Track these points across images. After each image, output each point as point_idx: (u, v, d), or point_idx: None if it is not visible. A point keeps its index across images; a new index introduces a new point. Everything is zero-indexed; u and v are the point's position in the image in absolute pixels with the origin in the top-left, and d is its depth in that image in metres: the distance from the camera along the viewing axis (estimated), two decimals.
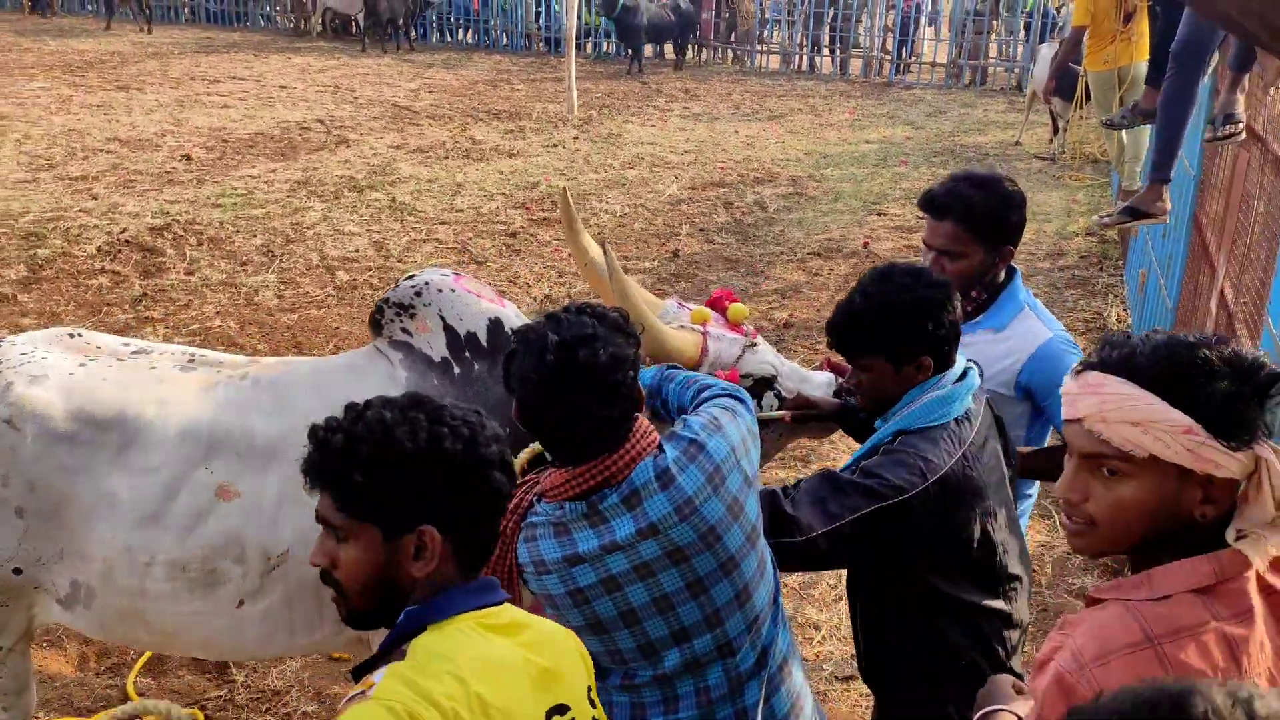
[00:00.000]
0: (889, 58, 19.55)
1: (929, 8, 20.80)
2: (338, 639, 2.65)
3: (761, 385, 2.69)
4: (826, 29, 20.16)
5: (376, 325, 2.73)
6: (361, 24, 21.26)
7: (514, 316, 2.76)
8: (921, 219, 2.80)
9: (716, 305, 2.77)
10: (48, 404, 2.42)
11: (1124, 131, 7.97)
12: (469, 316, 2.67)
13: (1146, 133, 8.09)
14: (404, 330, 2.67)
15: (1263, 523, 1.46)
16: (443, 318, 2.65)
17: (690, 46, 21.38)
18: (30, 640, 2.68)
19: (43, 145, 11.53)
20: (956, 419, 2.28)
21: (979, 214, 2.62)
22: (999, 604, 2.36)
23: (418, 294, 2.68)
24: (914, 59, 19.77)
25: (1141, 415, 1.46)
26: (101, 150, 11.44)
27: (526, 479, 2.11)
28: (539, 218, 9.49)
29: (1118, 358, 1.51)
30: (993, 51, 19.57)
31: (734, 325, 2.73)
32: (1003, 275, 2.77)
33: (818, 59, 20.21)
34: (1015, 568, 2.38)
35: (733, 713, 2.06)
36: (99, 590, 2.46)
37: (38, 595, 2.51)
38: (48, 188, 9.85)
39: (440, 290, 2.68)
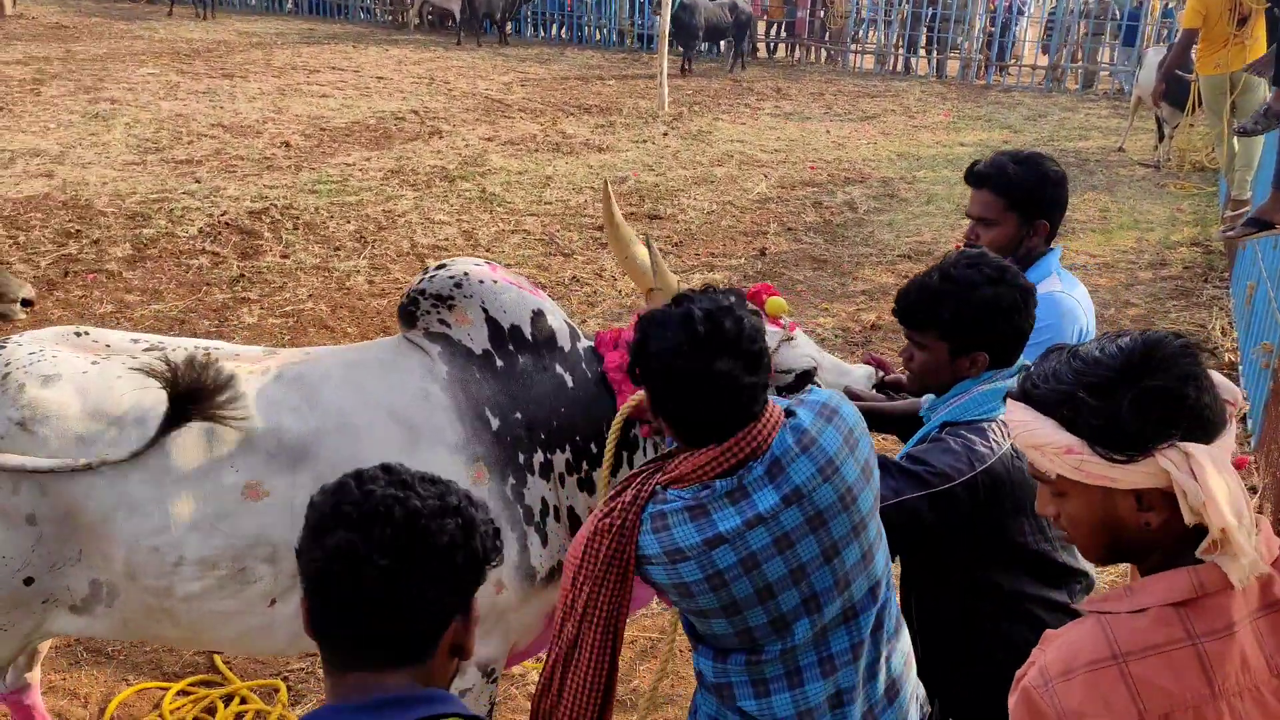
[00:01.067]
0: (987, 59, 19.14)
1: (1030, 9, 20.28)
2: None
3: (802, 379, 2.66)
4: (924, 29, 19.82)
5: (409, 317, 2.63)
6: (458, 18, 21.54)
7: (553, 309, 2.69)
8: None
9: (755, 299, 2.73)
10: (63, 404, 2.32)
11: (1235, 139, 7.68)
12: (513, 308, 2.58)
13: (1260, 142, 7.78)
14: (442, 322, 2.58)
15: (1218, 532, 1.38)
16: (485, 309, 2.56)
17: (783, 45, 21.22)
18: (34, 659, 2.60)
19: (150, 129, 11.92)
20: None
21: (1014, 184, 2.73)
22: (1062, 598, 2.33)
23: (457, 285, 2.57)
24: (1013, 61, 19.32)
25: (1034, 440, 1.49)
26: (206, 135, 11.78)
27: (637, 473, 2.09)
28: (626, 212, 9.49)
29: (1021, 383, 1.55)
30: (1097, 55, 19.02)
31: (773, 319, 2.70)
32: (1042, 253, 2.84)
33: (913, 60, 19.88)
34: (1079, 563, 2.34)
35: (856, 679, 2.06)
36: (123, 588, 2.37)
37: (45, 611, 2.40)
38: (154, 170, 10.18)
39: (482, 281, 2.58)
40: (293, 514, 2.36)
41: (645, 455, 2.66)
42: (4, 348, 2.41)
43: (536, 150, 11.85)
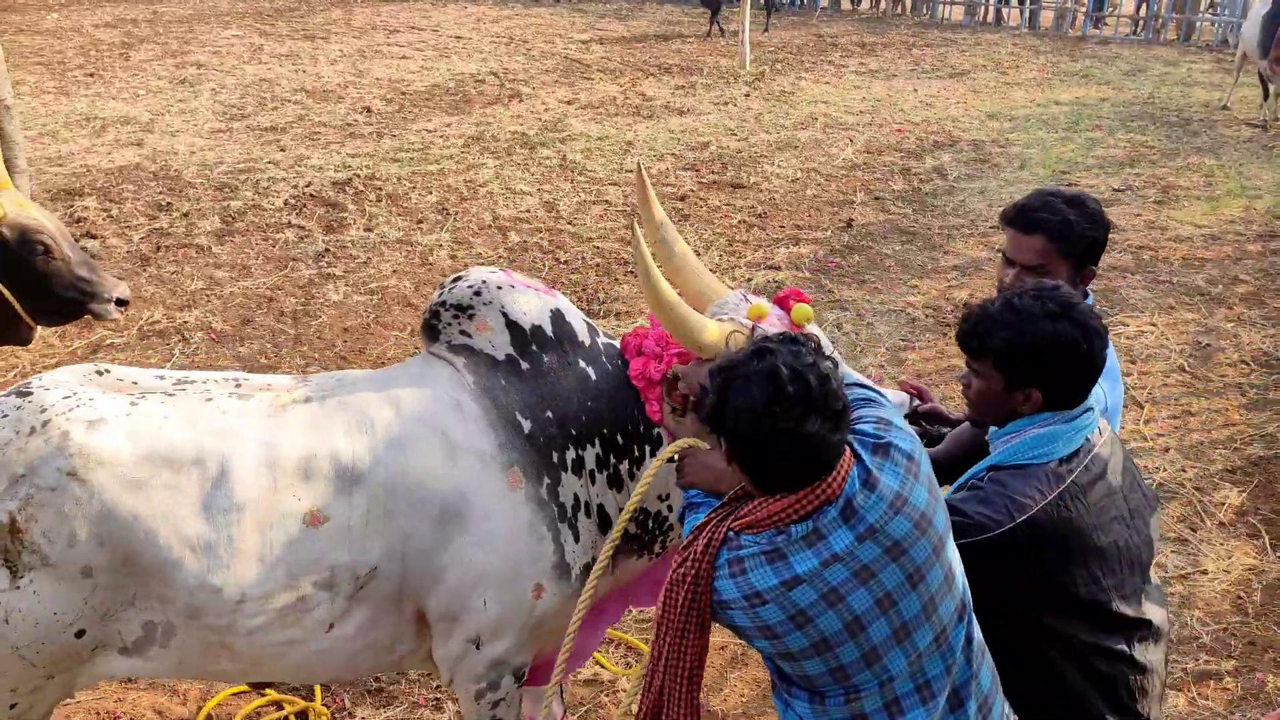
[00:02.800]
0: (1083, 9, 18.34)
1: None
2: (414, 657, 2.62)
3: None
4: None
5: (432, 331, 2.64)
6: None
7: (570, 307, 2.69)
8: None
9: (783, 303, 2.62)
10: (115, 450, 2.25)
11: None
12: (533, 310, 2.61)
13: None
14: (463, 332, 2.60)
15: None
16: (505, 314, 2.58)
17: None
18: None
19: (235, 95, 12.04)
20: (1060, 459, 2.20)
21: (1073, 232, 2.56)
22: (1120, 646, 2.24)
23: (476, 294, 2.59)
24: (1111, 10, 18.50)
25: None
26: (289, 101, 11.86)
27: (707, 521, 2.07)
28: (709, 180, 9.34)
29: None
30: (1199, 4, 18.12)
31: (796, 326, 2.56)
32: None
33: (1005, 10, 19.16)
34: (1141, 611, 2.25)
35: (948, 700, 2.03)
36: (180, 628, 2.34)
37: (95, 658, 2.35)
38: (240, 138, 10.28)
39: (500, 287, 2.60)
40: (349, 536, 2.38)
41: (665, 444, 2.62)
42: (30, 393, 2.33)
43: (616, 114, 11.70)
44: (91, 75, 12.88)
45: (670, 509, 2.71)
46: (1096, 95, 13.13)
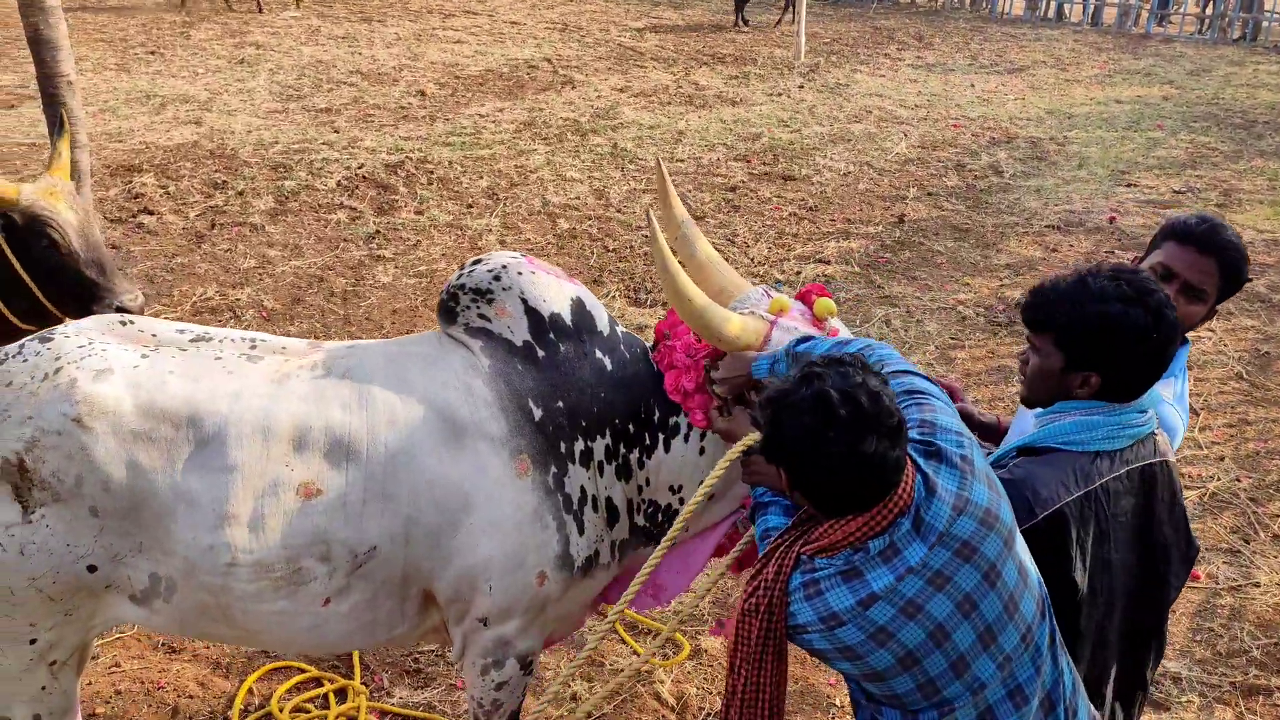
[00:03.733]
0: (1148, 6, 17.96)
1: None
2: (415, 633, 2.63)
3: None
4: None
5: (449, 313, 2.63)
6: None
7: (589, 296, 2.68)
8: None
9: (805, 298, 2.62)
10: (117, 400, 2.31)
11: None
12: (552, 297, 2.59)
13: None
14: (481, 316, 2.59)
15: None
16: (524, 300, 2.56)
17: None
18: (85, 658, 2.63)
19: (292, 76, 12.15)
20: (1099, 453, 2.13)
21: (1236, 266, 2.45)
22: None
23: (495, 278, 2.58)
24: (1176, 8, 18.10)
25: None
26: (344, 83, 11.95)
27: (775, 546, 2.04)
28: (760, 172, 9.28)
29: None
30: (1268, 3, 17.66)
31: (817, 320, 2.57)
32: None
33: (1067, 6, 18.81)
34: (1099, 642, 2.21)
35: (1040, 704, 2.00)
36: (180, 585, 2.38)
37: (107, 596, 2.40)
38: (295, 119, 10.38)
39: (520, 273, 2.59)
40: (345, 511, 2.38)
41: (685, 443, 2.63)
42: (52, 340, 2.40)
43: (669, 103, 11.66)
44: (153, 53, 13.07)
45: (682, 501, 2.68)
46: (1159, 94, 12.86)
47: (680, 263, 2.56)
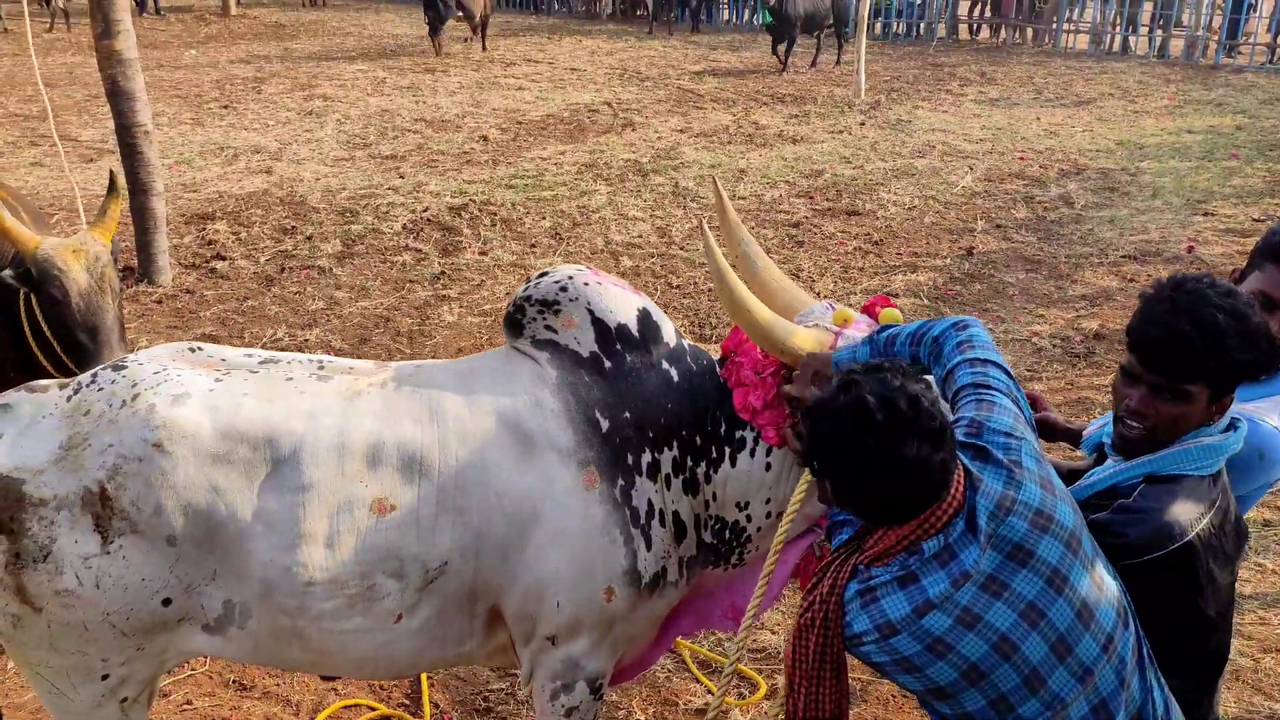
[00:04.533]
0: (1215, 37, 17.63)
1: None
2: (483, 651, 2.58)
3: None
4: (1146, 6, 18.46)
5: (516, 325, 2.61)
6: (650, 6, 21.57)
7: (655, 308, 2.64)
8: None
9: (870, 310, 2.58)
10: (196, 424, 2.31)
11: None
12: (619, 308, 2.56)
13: None
14: (548, 327, 2.56)
15: None
16: (590, 311, 2.54)
17: (986, 26, 20.23)
18: (155, 692, 2.60)
19: (359, 125, 12.40)
20: (1213, 475, 2.04)
21: None
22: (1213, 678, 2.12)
23: (562, 289, 2.56)
24: (1246, 39, 17.74)
25: None
26: (409, 130, 12.16)
27: (831, 561, 2.00)
28: (823, 208, 9.20)
29: None
30: None
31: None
32: None
33: (1132, 39, 18.56)
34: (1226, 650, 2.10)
35: (1128, 717, 1.90)
36: (255, 610, 2.37)
37: (180, 628, 2.38)
38: (362, 166, 10.56)
39: (587, 284, 2.57)
40: (418, 526, 2.37)
41: (752, 458, 2.57)
42: (126, 367, 2.42)
43: (729, 142, 11.66)
44: (225, 108, 13.44)
45: (749, 519, 2.64)
46: (1231, 124, 12.56)
47: (745, 282, 2.54)
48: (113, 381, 2.38)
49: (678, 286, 7.35)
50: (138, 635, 2.36)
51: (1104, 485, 2.10)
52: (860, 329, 2.47)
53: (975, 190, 9.76)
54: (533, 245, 8.20)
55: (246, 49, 18.56)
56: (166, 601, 2.33)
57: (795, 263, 7.83)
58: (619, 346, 2.55)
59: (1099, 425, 2.32)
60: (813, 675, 1.95)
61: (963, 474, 1.88)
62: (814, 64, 16.90)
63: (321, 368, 2.54)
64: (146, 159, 7.11)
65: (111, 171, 4.45)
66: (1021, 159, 10.86)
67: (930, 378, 2.27)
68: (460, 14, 17.66)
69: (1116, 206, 9.23)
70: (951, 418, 2.15)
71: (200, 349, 2.54)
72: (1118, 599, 1.90)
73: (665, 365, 2.59)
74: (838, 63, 16.89)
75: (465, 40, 19.19)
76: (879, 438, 1.77)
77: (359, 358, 6.18)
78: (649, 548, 2.50)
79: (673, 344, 2.63)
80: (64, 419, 2.34)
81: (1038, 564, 1.82)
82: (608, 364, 2.54)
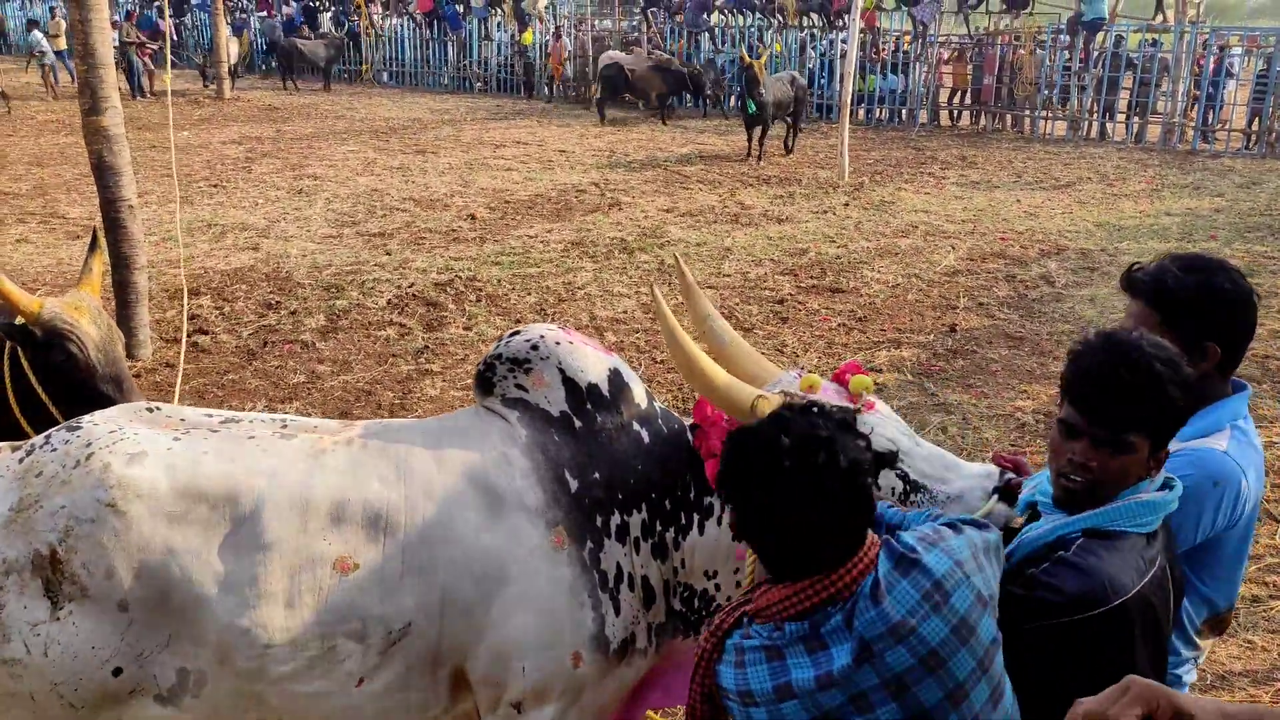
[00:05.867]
0: (1191, 123, 18.03)
1: (1239, 71, 19.05)
2: (447, 716, 2.50)
3: (875, 463, 2.36)
4: (1122, 93, 18.90)
5: (486, 383, 2.60)
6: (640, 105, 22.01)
7: (627, 369, 2.64)
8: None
9: (840, 378, 2.55)
10: (153, 482, 2.24)
11: None
12: (591, 368, 2.56)
13: None
14: (519, 386, 2.55)
15: None
16: (562, 370, 2.53)
17: (967, 113, 20.66)
18: None
19: (348, 204, 12.50)
20: (1151, 534, 1.98)
21: (1172, 298, 2.26)
22: None
23: (534, 348, 2.56)
24: (1221, 125, 18.14)
25: None
26: (398, 209, 12.26)
27: (743, 600, 1.94)
28: (808, 285, 9.26)
29: None
30: None
31: (853, 397, 2.48)
32: (1221, 394, 2.36)
33: (1109, 125, 18.96)
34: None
35: None
36: (212, 676, 2.28)
37: (132, 701, 2.28)
38: (349, 243, 10.62)
39: (558, 343, 2.57)
40: (382, 586, 2.30)
41: (719, 526, 2.52)
42: (81, 427, 2.35)
43: (714, 221, 11.78)
44: (215, 186, 13.55)
45: (718, 588, 2.58)
46: (1210, 206, 12.77)
47: (712, 356, 2.54)
48: (66, 441, 2.32)
49: (661, 361, 7.34)
50: (86, 709, 2.26)
51: (1051, 537, 2.02)
52: (828, 395, 2.44)
53: (957, 269, 9.84)
54: (517, 320, 8.20)
55: (239, 130, 18.80)
56: (117, 671, 2.24)
57: (780, 338, 7.84)
58: (590, 406, 2.52)
59: (1030, 487, 2.25)
60: (689, 703, 1.94)
61: (872, 560, 1.78)
62: (789, 149, 17.01)
63: (285, 426, 2.50)
64: (130, 233, 7.13)
65: (95, 229, 4.44)
66: (1003, 239, 10.98)
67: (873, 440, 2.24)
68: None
69: (1097, 285, 9.31)
70: (894, 512, 2.12)
71: (158, 408, 2.49)
72: (1010, 712, 1.83)
73: (636, 427, 2.56)
74: (789, 150, 16.84)
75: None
76: (785, 481, 1.69)
77: None
78: (617, 612, 2.44)
79: (644, 406, 2.60)
80: (15, 480, 2.28)
81: (910, 701, 1.73)
82: (578, 423, 2.51)
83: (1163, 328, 2.25)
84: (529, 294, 8.85)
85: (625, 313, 8.42)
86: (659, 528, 2.53)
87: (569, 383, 2.53)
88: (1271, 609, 4.46)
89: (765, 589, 1.82)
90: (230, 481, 2.30)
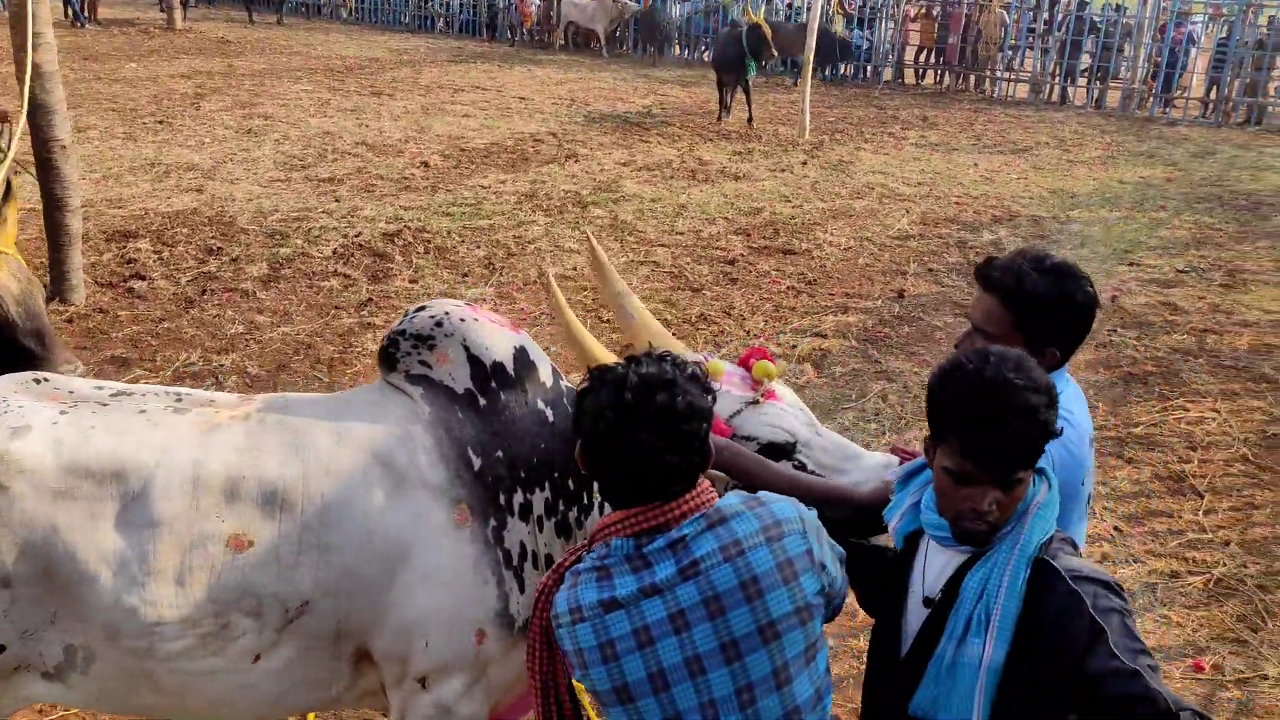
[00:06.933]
0: (1151, 90, 18.11)
1: (1201, 40, 19.12)
2: (352, 693, 2.50)
3: (771, 453, 2.43)
4: (1084, 57, 18.92)
5: (390, 360, 2.55)
6: (603, 40, 21.69)
7: (535, 346, 2.62)
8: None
9: (745, 362, 2.57)
10: (37, 458, 2.19)
11: None
12: (496, 345, 2.52)
13: None
14: (422, 362, 2.51)
15: None
16: (466, 348, 2.49)
17: (931, 72, 20.59)
18: None
19: (298, 146, 12.25)
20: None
21: (1029, 300, 2.27)
22: None
23: (438, 324, 2.51)
24: (1180, 92, 18.24)
25: None
26: (349, 153, 12.03)
27: (578, 547, 2.06)
28: (760, 245, 9.23)
29: None
30: (1270, 88, 17.78)
31: (755, 384, 2.51)
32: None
33: (1070, 90, 18.99)
34: None
35: None
36: (100, 653, 2.25)
37: (17, 677, 2.26)
38: (297, 188, 10.41)
39: (463, 320, 2.52)
40: (278, 564, 2.28)
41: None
42: None
43: (672, 177, 11.69)
44: (161, 123, 13.21)
45: None
46: (1162, 176, 12.86)
47: (624, 330, 2.53)
48: None
49: (607, 321, 7.29)
50: None
51: (1017, 583, 1.93)
52: (734, 382, 2.44)
53: (910, 233, 9.85)
54: (464, 274, 8.11)
55: (189, 64, 18.31)
56: (0, 648, 2.20)
57: (728, 300, 7.82)
58: (494, 384, 2.49)
59: (900, 514, 2.17)
60: (533, 645, 2.00)
61: (703, 505, 1.88)
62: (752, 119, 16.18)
63: (179, 400, 2.44)
64: (63, 175, 6.92)
65: (10, 180, 4.29)
66: (957, 204, 11.00)
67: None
68: None
69: None
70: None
71: (46, 379, 2.42)
72: (798, 703, 1.86)
73: (540, 405, 2.53)
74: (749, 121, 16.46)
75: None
76: (622, 414, 1.82)
77: (277, 385, 6.05)
78: (522, 590, 2.43)
79: (550, 385, 2.57)
80: None
81: (722, 626, 1.82)
82: (482, 401, 2.47)
83: (1013, 328, 2.26)
84: (478, 247, 8.75)
85: (575, 269, 8.35)
86: (562, 507, 2.52)
87: (474, 360, 2.49)
88: (1189, 584, 4.55)
89: (603, 518, 1.94)
90: (119, 457, 2.25)
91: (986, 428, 1.85)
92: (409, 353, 2.52)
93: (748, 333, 7.19)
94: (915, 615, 2.08)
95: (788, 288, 8.18)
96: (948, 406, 1.92)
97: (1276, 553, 4.80)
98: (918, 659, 2.03)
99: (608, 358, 2.41)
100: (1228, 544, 4.86)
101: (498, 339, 2.53)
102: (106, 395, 2.41)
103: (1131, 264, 9.17)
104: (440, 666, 2.40)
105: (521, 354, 2.54)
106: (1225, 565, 4.67)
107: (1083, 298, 2.29)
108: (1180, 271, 8.94)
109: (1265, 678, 3.96)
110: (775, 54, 15.02)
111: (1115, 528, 4.98)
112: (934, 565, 2.07)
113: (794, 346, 6.96)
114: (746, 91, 15.11)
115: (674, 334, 6.99)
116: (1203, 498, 5.27)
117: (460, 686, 2.43)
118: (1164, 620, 4.32)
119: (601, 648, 1.84)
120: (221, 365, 6.24)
